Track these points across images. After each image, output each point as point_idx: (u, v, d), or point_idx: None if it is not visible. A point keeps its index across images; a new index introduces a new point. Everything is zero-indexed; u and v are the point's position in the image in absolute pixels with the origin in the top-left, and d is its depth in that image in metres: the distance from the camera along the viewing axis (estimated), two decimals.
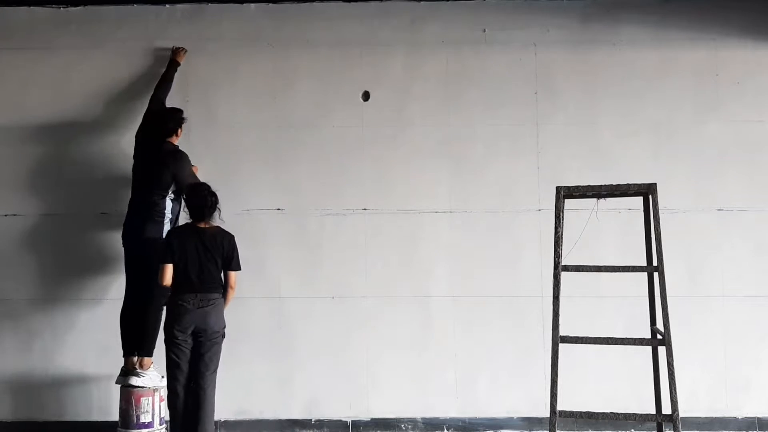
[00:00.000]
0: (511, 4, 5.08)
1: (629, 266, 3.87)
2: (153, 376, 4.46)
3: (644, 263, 4.04)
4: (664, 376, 3.80)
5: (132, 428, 4.44)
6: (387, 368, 4.95)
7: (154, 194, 4.51)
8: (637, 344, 3.87)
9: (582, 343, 3.81)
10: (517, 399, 4.92)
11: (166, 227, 4.52)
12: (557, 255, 3.84)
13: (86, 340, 4.92)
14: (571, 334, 3.92)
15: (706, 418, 4.86)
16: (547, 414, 3.93)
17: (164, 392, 4.37)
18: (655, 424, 4.37)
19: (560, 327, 3.82)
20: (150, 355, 4.47)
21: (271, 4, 5.09)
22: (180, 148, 4.65)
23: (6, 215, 5.01)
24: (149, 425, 4.45)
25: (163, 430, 4.53)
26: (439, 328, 4.97)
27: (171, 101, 4.86)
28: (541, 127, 5.03)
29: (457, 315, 4.97)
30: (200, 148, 4.94)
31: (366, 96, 5.07)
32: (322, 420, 4.94)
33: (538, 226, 4.97)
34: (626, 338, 3.87)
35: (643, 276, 4.05)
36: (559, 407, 3.76)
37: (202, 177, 4.63)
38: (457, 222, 5.00)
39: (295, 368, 4.96)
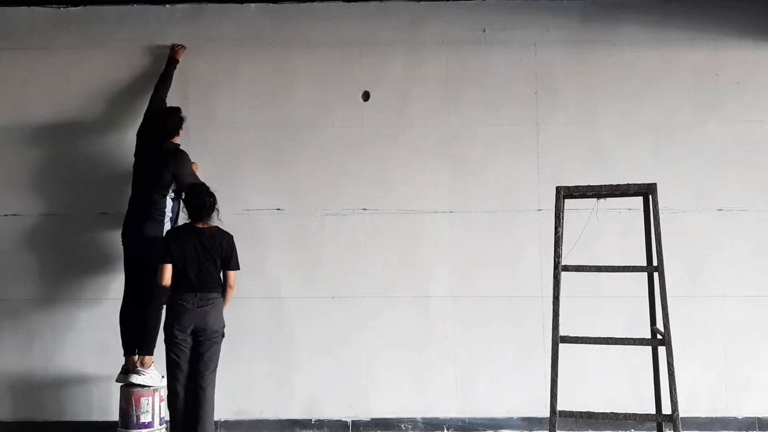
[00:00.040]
0: (511, 4, 5.08)
1: (629, 266, 3.87)
2: (154, 375, 4.46)
3: (644, 263, 4.04)
4: (664, 376, 3.81)
5: (132, 428, 4.43)
6: (387, 368, 4.95)
7: (154, 193, 4.52)
8: (637, 344, 3.88)
9: (582, 343, 3.82)
10: (517, 399, 4.92)
11: (166, 226, 4.52)
12: (557, 255, 3.84)
13: (86, 339, 4.92)
14: (571, 334, 3.92)
15: (706, 418, 4.86)
16: (547, 414, 3.93)
17: (164, 392, 4.37)
18: (655, 424, 4.37)
19: (560, 327, 3.82)
20: (151, 353, 4.48)
21: (271, 4, 5.09)
22: (180, 147, 4.65)
23: (6, 215, 5.01)
24: (149, 425, 4.45)
25: (163, 430, 4.53)
26: (439, 328, 4.97)
27: (170, 101, 4.86)
28: (541, 127, 5.03)
29: (457, 315, 4.97)
30: (200, 148, 4.93)
31: (366, 96, 5.07)
32: (322, 420, 4.94)
33: (538, 226, 4.97)
34: (626, 338, 3.87)
35: (643, 276, 4.05)
36: (559, 407, 3.76)
37: (201, 176, 4.63)
38: (457, 222, 5.00)
39: (295, 368, 4.96)
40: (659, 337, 3.84)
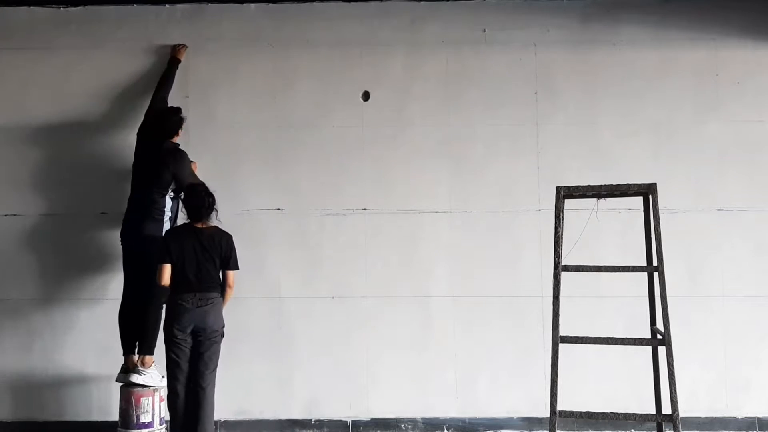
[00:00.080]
0: (511, 4, 5.08)
1: (629, 266, 3.87)
2: (154, 375, 4.45)
3: (644, 263, 4.04)
4: (664, 376, 3.80)
5: (132, 428, 4.43)
6: (387, 368, 4.95)
7: (153, 192, 4.52)
8: (637, 344, 3.87)
9: (582, 343, 3.82)
10: (517, 399, 4.92)
11: (166, 225, 4.53)
12: (557, 255, 3.84)
13: (86, 339, 4.92)
14: (571, 334, 3.92)
15: (706, 418, 4.86)
16: (547, 414, 3.93)
17: (164, 392, 4.37)
18: (655, 424, 4.37)
19: (560, 327, 3.82)
20: (151, 353, 4.46)
21: (271, 4, 5.09)
22: (180, 146, 4.65)
23: (6, 215, 5.01)
24: (149, 425, 4.44)
25: (163, 430, 4.53)
26: (439, 328, 4.97)
27: (170, 101, 4.86)
28: (541, 127, 5.03)
29: (457, 315, 4.97)
30: (200, 148, 4.94)
31: (366, 96, 5.07)
32: (322, 420, 4.94)
33: (538, 226, 4.97)
34: (626, 338, 3.87)
35: (643, 276, 4.05)
36: (559, 407, 3.76)
37: (201, 176, 4.63)
38: (457, 222, 5.00)
39: (295, 368, 4.96)
40: (659, 337, 3.84)
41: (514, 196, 4.99)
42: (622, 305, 4.86)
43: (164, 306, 4.33)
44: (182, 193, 4.47)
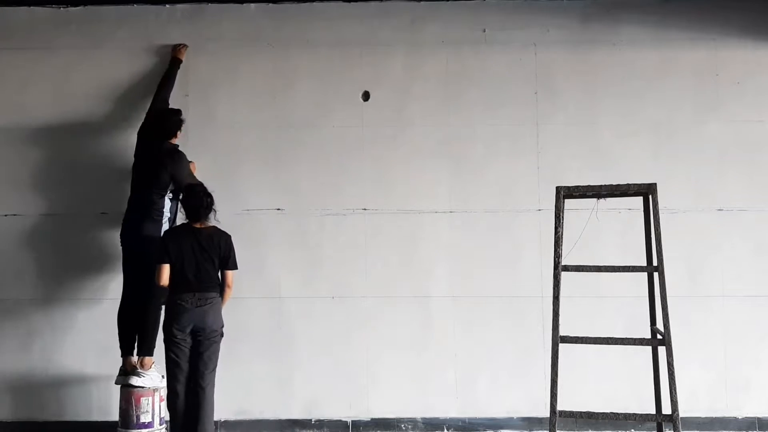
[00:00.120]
0: (511, 4, 5.08)
1: (629, 266, 3.87)
2: (154, 377, 4.45)
3: (644, 263, 4.03)
4: (664, 376, 3.80)
5: (132, 428, 4.43)
6: (387, 368, 4.95)
7: (152, 193, 4.52)
8: (637, 344, 3.87)
9: (582, 343, 3.81)
10: (517, 399, 4.92)
11: (165, 226, 4.53)
12: (557, 255, 3.84)
13: (86, 340, 4.92)
14: (571, 334, 3.92)
15: (706, 418, 4.86)
16: (547, 414, 3.93)
17: (164, 392, 4.37)
18: (655, 424, 4.37)
19: (560, 327, 3.82)
20: (151, 354, 4.47)
21: (271, 4, 5.09)
22: (179, 147, 4.65)
23: (6, 215, 5.01)
24: (149, 425, 4.44)
25: (163, 430, 4.53)
26: (439, 328, 4.97)
27: (170, 100, 4.86)
28: (541, 127, 5.03)
29: (457, 315, 4.97)
30: (200, 148, 4.94)
31: (366, 96, 5.07)
32: (322, 420, 4.94)
33: (538, 226, 4.97)
34: (626, 338, 3.87)
35: (643, 276, 4.05)
36: (559, 407, 3.76)
37: (200, 176, 4.63)
38: (457, 222, 5.00)
39: (295, 368, 4.96)
40: (659, 337, 3.84)
41: (514, 196, 4.99)
42: (622, 305, 4.86)
43: (163, 306, 4.33)
44: (181, 194, 4.47)
